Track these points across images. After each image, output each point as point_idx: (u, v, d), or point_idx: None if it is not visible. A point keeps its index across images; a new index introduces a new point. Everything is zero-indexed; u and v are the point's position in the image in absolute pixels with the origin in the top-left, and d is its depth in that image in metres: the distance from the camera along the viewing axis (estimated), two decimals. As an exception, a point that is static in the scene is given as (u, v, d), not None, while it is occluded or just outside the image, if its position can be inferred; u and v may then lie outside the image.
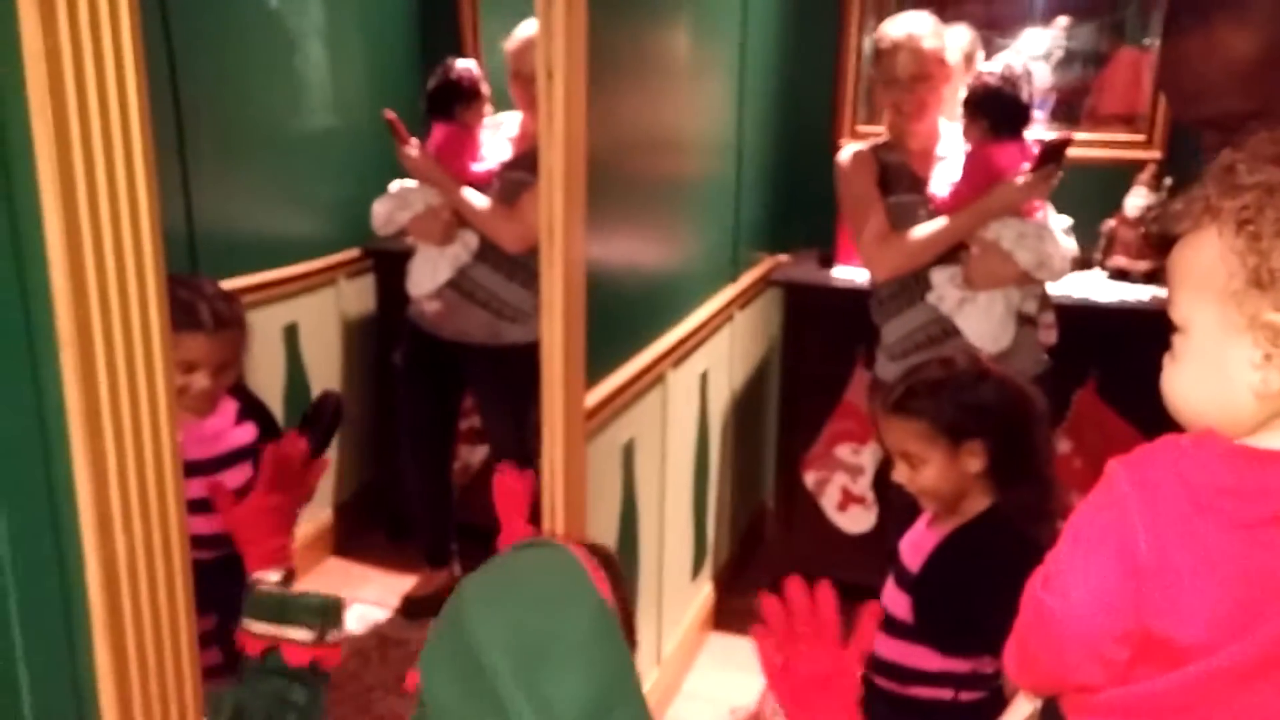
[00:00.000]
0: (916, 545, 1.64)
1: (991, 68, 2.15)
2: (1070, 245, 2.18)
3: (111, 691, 0.89)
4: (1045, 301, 2.25)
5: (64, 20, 0.79)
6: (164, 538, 0.91)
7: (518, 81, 2.47)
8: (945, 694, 1.57)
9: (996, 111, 2.12)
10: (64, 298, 0.80)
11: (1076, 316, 2.42)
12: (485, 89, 2.57)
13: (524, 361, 2.54)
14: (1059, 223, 2.19)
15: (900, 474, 1.62)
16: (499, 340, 2.56)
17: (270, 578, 1.48)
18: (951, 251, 2.16)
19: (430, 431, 2.80)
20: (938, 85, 2.15)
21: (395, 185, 2.58)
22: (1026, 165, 2.13)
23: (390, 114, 2.52)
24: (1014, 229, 2.12)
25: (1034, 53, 2.86)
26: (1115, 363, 2.44)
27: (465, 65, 2.54)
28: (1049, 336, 2.26)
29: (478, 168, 2.51)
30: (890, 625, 1.62)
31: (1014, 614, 1.51)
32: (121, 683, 0.89)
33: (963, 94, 2.18)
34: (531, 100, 2.47)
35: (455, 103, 2.52)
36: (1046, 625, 0.89)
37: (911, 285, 2.20)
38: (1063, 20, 2.87)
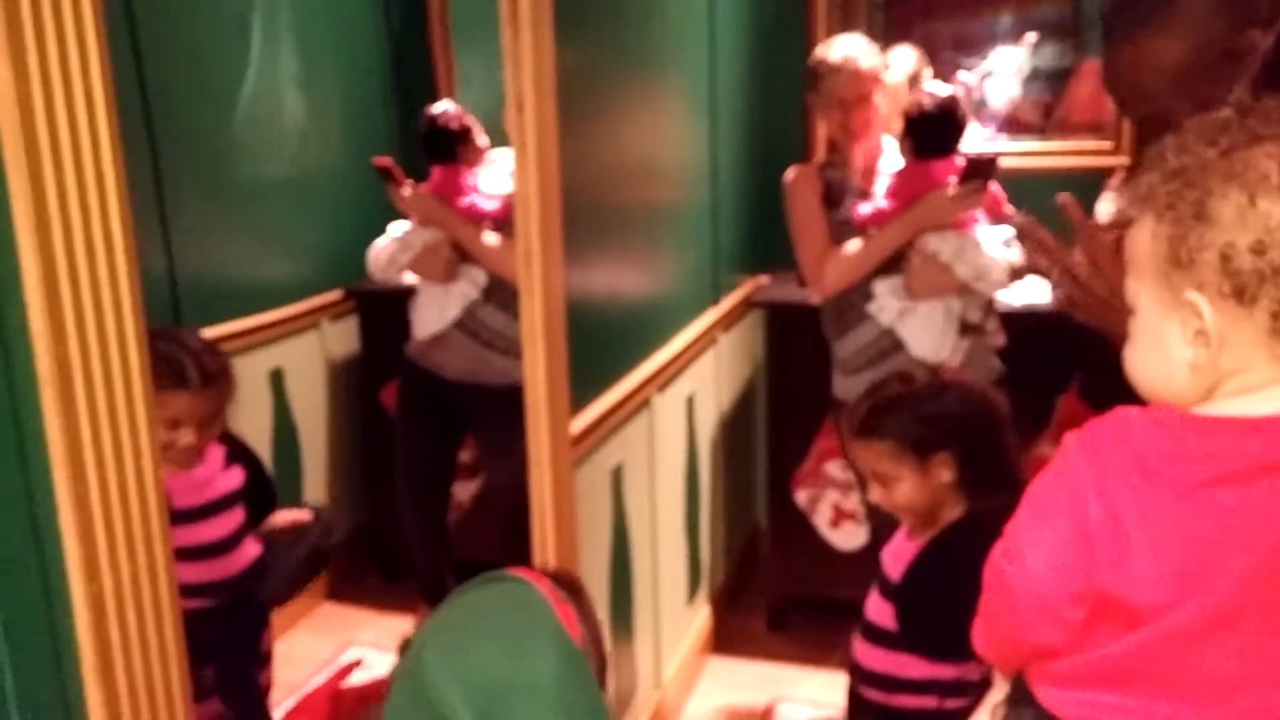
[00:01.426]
0: (897, 555, 1.66)
1: (931, 89, 2.23)
2: (1010, 256, 2.21)
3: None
4: (989, 308, 2.31)
5: (34, 65, 0.81)
6: (151, 577, 0.92)
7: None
8: (929, 702, 1.59)
9: (923, 131, 2.18)
10: (43, 338, 0.81)
11: (1054, 321, 2.43)
12: (475, 125, 2.56)
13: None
14: (997, 235, 2.24)
15: (874, 494, 1.63)
16: (503, 380, 2.47)
17: None
18: (895, 263, 2.21)
19: (430, 472, 2.76)
20: (876, 107, 2.22)
21: (392, 228, 2.54)
22: (953, 179, 2.19)
23: (384, 159, 2.51)
24: (952, 242, 2.17)
25: (1005, 70, 2.92)
26: (1096, 366, 2.46)
27: (446, 106, 2.53)
28: (997, 339, 2.31)
29: (481, 204, 2.50)
30: (875, 635, 1.64)
31: None
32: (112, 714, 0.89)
33: None
34: None
35: (452, 144, 2.50)
36: (1005, 590, 0.94)
37: (857, 301, 2.25)
38: (1031, 37, 2.93)
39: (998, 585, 0.96)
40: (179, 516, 1.73)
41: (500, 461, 2.67)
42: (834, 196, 2.28)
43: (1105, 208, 2.73)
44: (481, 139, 2.55)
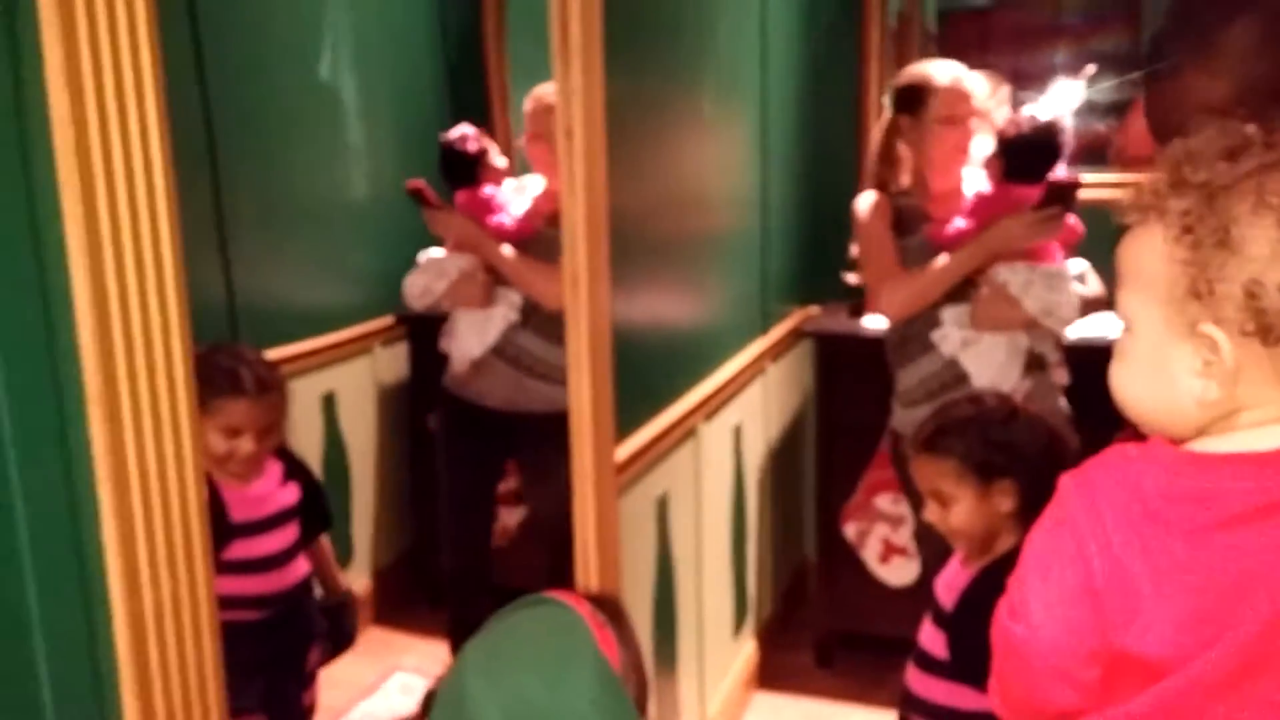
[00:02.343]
0: (950, 583, 1.63)
1: (1031, 111, 2.14)
2: (1084, 290, 2.14)
3: (141, 749, 0.89)
4: (1058, 344, 2.21)
5: (90, 86, 0.83)
6: (192, 594, 0.92)
7: (537, 143, 2.48)
8: None
9: (1018, 154, 2.11)
10: (91, 355, 0.83)
11: (1103, 357, 2.37)
12: (492, 146, 2.57)
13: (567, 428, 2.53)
14: (1074, 268, 2.16)
15: (931, 513, 1.61)
16: (545, 408, 2.46)
17: None
18: (965, 291, 2.14)
19: (471, 502, 2.70)
20: (975, 128, 2.17)
21: (423, 257, 2.54)
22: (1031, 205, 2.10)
23: (417, 181, 2.52)
24: (1022, 275, 2.09)
25: (1063, 103, 2.88)
26: (1088, 396, 2.40)
27: (461, 130, 2.54)
28: (1060, 377, 2.21)
29: (508, 224, 2.48)
30: (928, 663, 1.61)
31: None
32: (150, 739, 0.89)
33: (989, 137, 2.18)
34: (550, 161, 2.49)
35: (472, 167, 2.49)
36: (1015, 653, 0.88)
37: (923, 331, 2.18)
38: (1090, 70, 2.89)
39: (1007, 647, 0.89)
40: (237, 530, 1.78)
41: (544, 489, 2.64)
42: (906, 224, 2.22)
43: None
44: (499, 160, 2.54)
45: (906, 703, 1.67)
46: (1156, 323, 0.82)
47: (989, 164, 2.18)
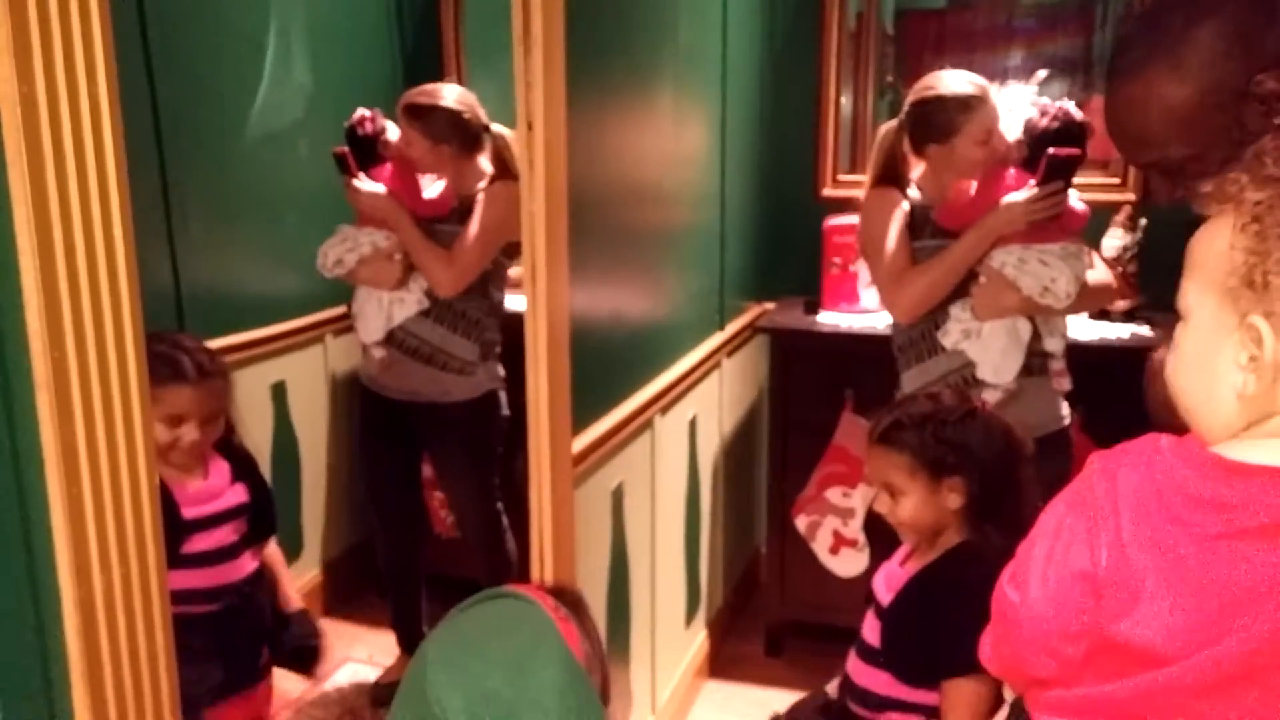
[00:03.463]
0: (889, 580, 1.67)
1: (1059, 103, 2.09)
2: (1086, 270, 2.09)
3: (88, 737, 0.88)
4: (1065, 344, 2.16)
5: (39, 66, 0.81)
6: (143, 580, 0.91)
7: (414, 149, 2.42)
8: None
9: (1049, 146, 2.03)
10: (40, 341, 0.81)
11: (1109, 359, 2.41)
12: (388, 125, 2.52)
13: (474, 419, 2.51)
14: (1075, 249, 2.11)
15: (881, 504, 1.64)
16: (451, 397, 2.49)
17: None
18: (968, 288, 2.09)
19: (394, 498, 2.68)
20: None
21: (340, 227, 2.51)
22: (1031, 182, 2.06)
23: (342, 149, 2.49)
24: (1016, 254, 2.04)
25: (1015, 107, 2.91)
26: (1099, 399, 2.45)
27: (360, 112, 2.52)
28: (1062, 384, 2.16)
29: (413, 200, 2.46)
30: (866, 652, 1.64)
31: (972, 652, 1.53)
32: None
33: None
34: (432, 166, 2.45)
35: (372, 146, 2.47)
36: (1006, 616, 0.90)
37: (929, 332, 2.13)
38: (1041, 74, 2.92)
39: (1000, 610, 0.92)
40: (189, 526, 1.76)
41: (457, 487, 2.64)
42: (916, 225, 2.14)
43: (1111, 243, 2.73)
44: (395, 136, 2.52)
45: (847, 689, 1.70)
46: (1210, 311, 0.82)
47: (1008, 151, 2.12)
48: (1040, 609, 0.86)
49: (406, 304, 2.45)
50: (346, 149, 2.48)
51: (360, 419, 2.69)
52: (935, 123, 2.08)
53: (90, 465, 0.86)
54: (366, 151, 2.49)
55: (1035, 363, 2.10)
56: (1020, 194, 2.04)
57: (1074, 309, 2.10)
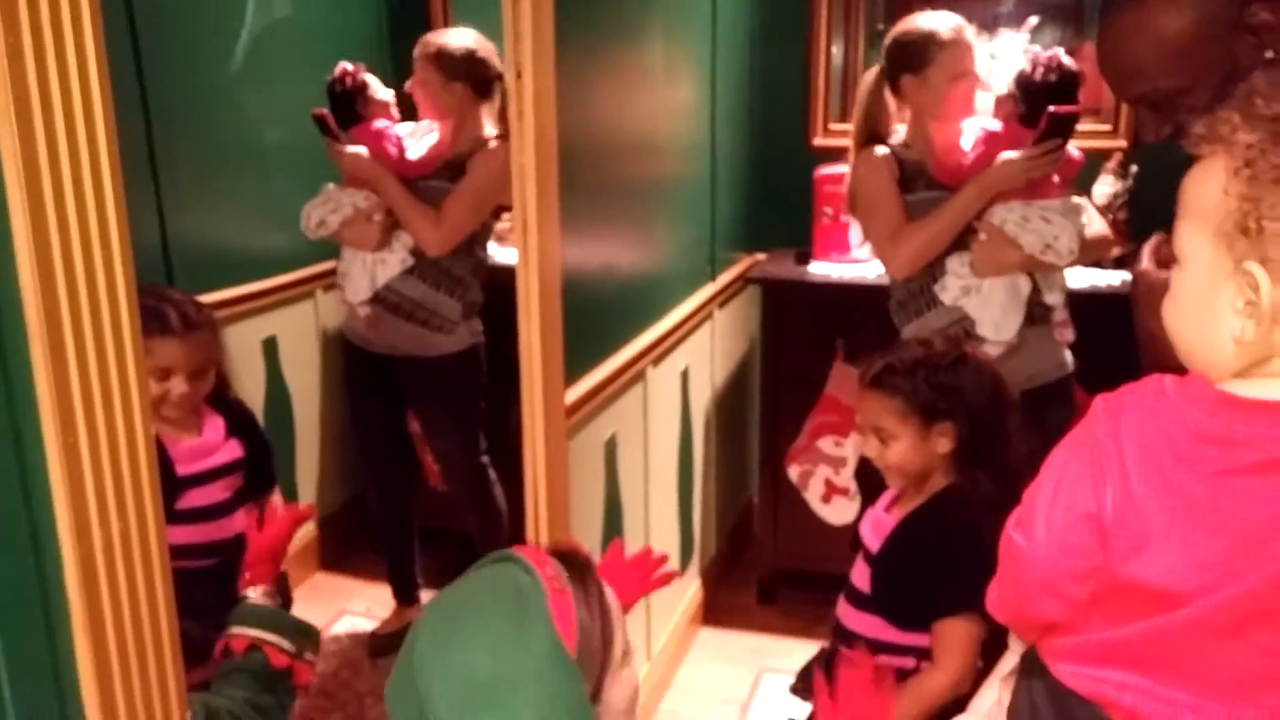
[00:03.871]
0: (876, 527, 1.69)
1: (1050, 53, 2.08)
2: (1085, 225, 2.09)
3: (93, 687, 0.89)
4: (1066, 295, 2.17)
5: (25, 21, 0.80)
6: (141, 533, 0.92)
7: (418, 90, 2.43)
8: (909, 663, 1.61)
9: (1042, 97, 2.03)
10: (32, 290, 0.81)
11: (1107, 307, 2.42)
12: (372, 80, 2.51)
13: (457, 372, 2.53)
14: (1075, 204, 2.11)
15: (870, 448, 1.65)
16: (431, 352, 2.50)
17: (257, 593, 1.50)
18: (965, 241, 2.10)
19: (383, 452, 2.71)
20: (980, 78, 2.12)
21: (324, 187, 2.51)
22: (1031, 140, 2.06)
23: (321, 110, 2.47)
24: (1018, 212, 2.04)
25: (1006, 55, 2.89)
26: (1090, 346, 2.46)
27: (342, 66, 2.49)
28: (1065, 335, 2.17)
29: (399, 158, 2.45)
30: (856, 598, 1.67)
31: (962, 592, 1.54)
32: (103, 677, 0.89)
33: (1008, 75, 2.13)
34: (433, 111, 2.45)
35: (353, 102, 2.46)
36: (1013, 561, 0.91)
37: (927, 286, 2.13)
38: (1032, 21, 2.90)
39: (1007, 554, 0.92)
40: (184, 482, 1.77)
41: (442, 440, 2.66)
42: (909, 179, 2.15)
43: (1102, 190, 2.73)
44: (383, 93, 2.52)
45: (838, 634, 1.72)
46: (1205, 256, 0.81)
47: (1000, 103, 2.14)
48: (1046, 551, 0.86)
49: (389, 264, 2.46)
50: (325, 110, 2.46)
51: (345, 374, 2.71)
52: (909, 54, 2.10)
53: (86, 417, 0.86)
54: (347, 108, 2.47)
55: (1036, 311, 2.11)
56: (1019, 151, 2.04)
57: (1075, 263, 2.11)
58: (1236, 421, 0.79)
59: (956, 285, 2.09)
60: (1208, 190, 0.80)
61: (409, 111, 2.57)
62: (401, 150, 2.46)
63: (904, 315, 2.19)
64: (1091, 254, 2.18)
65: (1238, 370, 0.81)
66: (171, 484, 1.72)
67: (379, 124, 2.49)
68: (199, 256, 2.53)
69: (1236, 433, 0.79)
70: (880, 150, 2.18)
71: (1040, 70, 2.05)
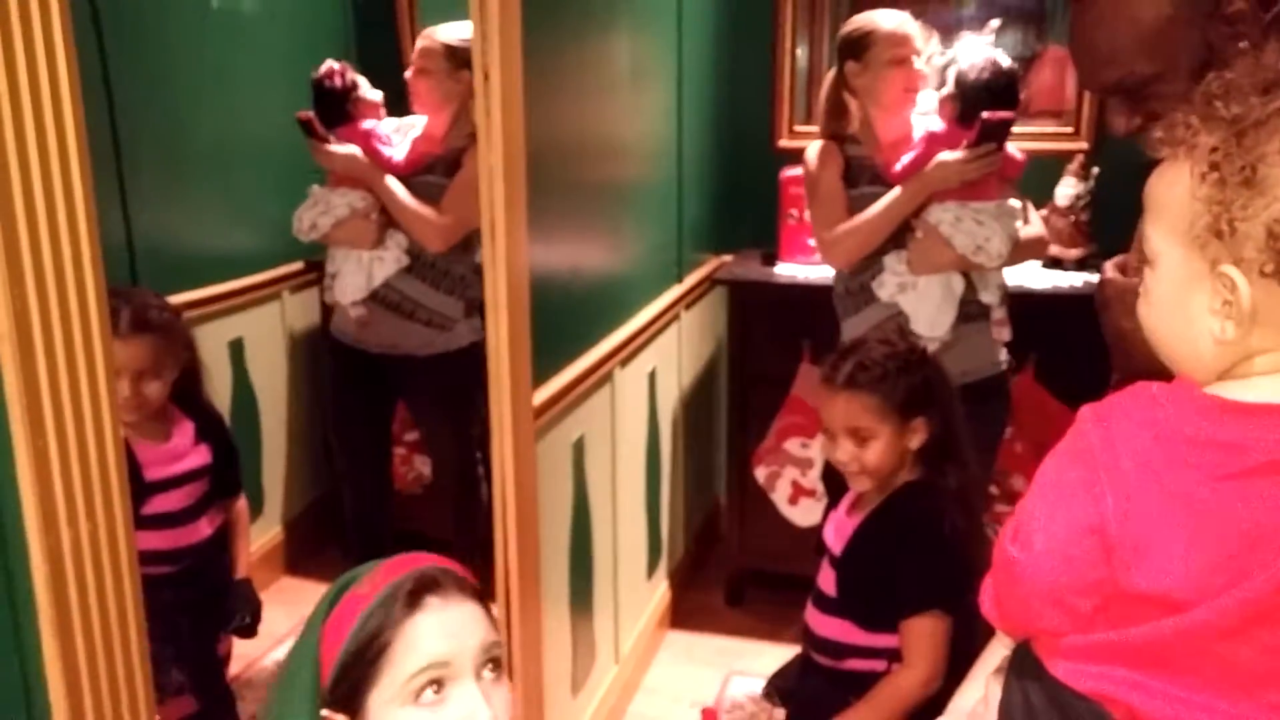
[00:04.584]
0: (839, 529, 1.69)
1: (993, 54, 2.15)
2: (1024, 228, 2.15)
3: (61, 688, 0.88)
4: (1004, 294, 2.22)
5: (-8, 15, 0.79)
6: (110, 534, 0.91)
7: (420, 79, 2.42)
8: (879, 665, 1.62)
9: (978, 98, 2.10)
10: (1, 292, 0.80)
11: (1013, 304, 2.48)
12: (361, 79, 2.50)
13: (457, 369, 2.52)
14: (1010, 206, 2.17)
15: (844, 451, 1.63)
16: (430, 350, 2.50)
17: None
18: (904, 239, 2.15)
19: (365, 449, 2.70)
20: (922, 72, 2.18)
21: (312, 190, 2.50)
22: (965, 143, 2.11)
23: (306, 113, 2.45)
24: (953, 213, 2.11)
25: (969, 57, 2.92)
26: (1051, 348, 2.50)
27: (329, 65, 2.48)
28: (1002, 334, 2.22)
29: (394, 158, 2.44)
30: (824, 603, 1.67)
31: (927, 590, 1.53)
32: (71, 678, 0.88)
33: (950, 77, 2.19)
34: (435, 101, 2.45)
35: (343, 102, 2.44)
36: (1011, 575, 0.89)
37: (867, 283, 2.19)
38: (995, 24, 2.94)
39: (1004, 569, 0.90)
40: (152, 487, 1.75)
41: (437, 435, 2.65)
42: (854, 175, 2.22)
43: (1064, 191, 2.77)
44: (372, 93, 2.50)
45: (807, 640, 1.73)
46: (1178, 260, 0.81)
47: (943, 104, 2.19)
48: (1048, 563, 0.84)
49: (386, 262, 2.44)
50: (311, 114, 2.43)
51: (334, 373, 2.67)
52: (852, 43, 2.19)
53: (55, 417, 0.86)
54: (334, 108, 2.44)
55: (970, 309, 2.16)
56: (955, 153, 2.11)
57: (1007, 264, 2.18)
58: (1234, 425, 0.78)
59: (893, 282, 2.16)
60: (1175, 194, 0.80)
61: (393, 109, 2.56)
62: (392, 150, 2.45)
63: (844, 309, 2.27)
64: (1025, 256, 2.25)
65: (1222, 370, 0.81)
66: (139, 489, 1.70)
67: (367, 124, 2.47)
68: (164, 257, 2.51)
69: (1235, 437, 0.78)
70: (825, 143, 2.26)
71: (975, 70, 2.12)
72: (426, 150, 2.44)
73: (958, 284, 2.14)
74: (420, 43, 2.43)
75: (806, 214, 2.70)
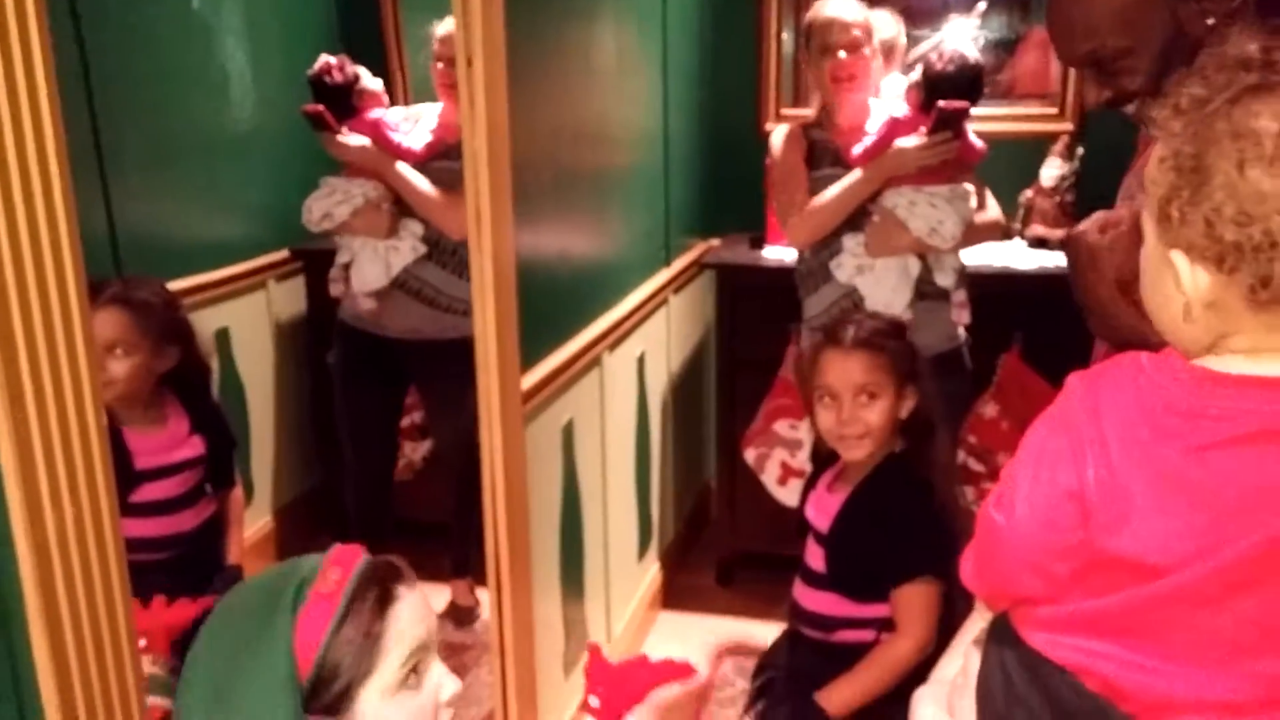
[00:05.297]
0: (822, 508, 1.70)
1: (955, 45, 2.19)
2: (971, 211, 2.20)
3: (50, 674, 0.88)
4: (961, 277, 2.26)
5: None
6: (95, 519, 0.91)
7: (443, 65, 2.43)
8: (868, 635, 1.64)
9: (941, 87, 2.12)
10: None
11: (998, 284, 2.50)
12: (361, 71, 2.49)
13: (470, 354, 2.53)
14: (963, 191, 2.22)
15: (849, 412, 1.62)
16: (446, 335, 2.49)
17: (157, 665, 1.53)
18: (862, 221, 2.21)
19: (374, 436, 2.71)
20: (867, 57, 2.20)
21: (326, 180, 2.50)
22: (922, 129, 2.15)
23: (315, 106, 2.44)
24: (908, 196, 2.16)
25: (955, 40, 2.93)
26: (1037, 327, 2.51)
27: (325, 59, 2.47)
28: (961, 316, 2.27)
29: (410, 148, 2.43)
30: (812, 578, 1.69)
31: (918, 557, 1.55)
32: (60, 664, 0.89)
33: (910, 73, 2.23)
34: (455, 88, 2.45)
35: (346, 95, 2.43)
36: (992, 539, 0.90)
37: (826, 260, 2.25)
38: (981, 6, 2.94)
39: (986, 533, 0.91)
40: (144, 475, 1.75)
41: (448, 417, 2.66)
42: (816, 157, 2.28)
43: (1049, 172, 2.78)
44: (372, 83, 2.49)
45: (795, 615, 1.75)
46: (1153, 238, 0.83)
47: (909, 91, 2.22)
48: (1028, 529, 0.86)
49: (402, 251, 2.44)
50: (321, 106, 2.42)
51: (343, 359, 2.65)
52: (804, 32, 2.26)
53: (36, 403, 0.86)
54: (338, 102, 2.43)
55: (926, 289, 2.22)
56: (913, 139, 2.15)
57: (962, 245, 2.23)
58: (1213, 396, 0.80)
59: (852, 264, 2.21)
60: (1150, 174, 0.82)
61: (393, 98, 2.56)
62: (405, 139, 2.44)
63: (805, 287, 2.34)
64: (980, 238, 2.29)
65: (1208, 344, 0.82)
66: (129, 477, 1.70)
67: (374, 114, 2.46)
68: (147, 246, 2.49)
69: (1215, 407, 0.80)
70: (788, 126, 2.33)
71: (941, 62, 2.15)
72: (444, 137, 2.44)
73: (914, 266, 2.20)
74: (441, 30, 2.43)
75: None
